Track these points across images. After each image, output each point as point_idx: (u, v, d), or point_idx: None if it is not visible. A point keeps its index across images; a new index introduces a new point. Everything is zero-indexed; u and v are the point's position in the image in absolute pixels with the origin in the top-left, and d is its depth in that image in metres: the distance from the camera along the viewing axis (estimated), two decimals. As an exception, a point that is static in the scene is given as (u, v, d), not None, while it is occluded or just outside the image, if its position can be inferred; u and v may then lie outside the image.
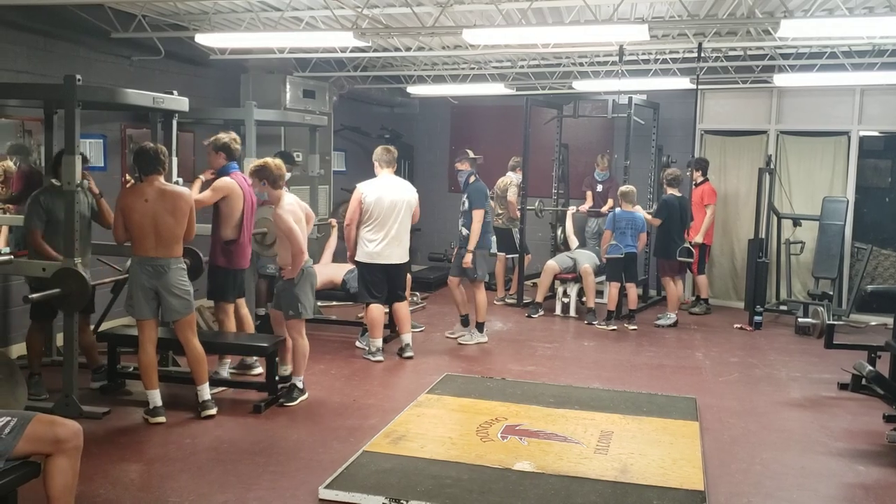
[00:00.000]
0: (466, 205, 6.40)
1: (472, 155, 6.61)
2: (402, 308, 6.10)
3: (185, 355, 4.61)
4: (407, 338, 6.09)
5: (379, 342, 5.95)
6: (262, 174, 4.74)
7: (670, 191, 7.78)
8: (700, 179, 8.23)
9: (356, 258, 5.84)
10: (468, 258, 6.29)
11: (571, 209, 8.64)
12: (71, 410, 4.31)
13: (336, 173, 8.64)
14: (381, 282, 5.90)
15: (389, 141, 9.62)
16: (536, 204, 8.71)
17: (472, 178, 6.47)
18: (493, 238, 6.65)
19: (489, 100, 9.63)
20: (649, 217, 7.74)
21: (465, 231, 6.41)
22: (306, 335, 4.97)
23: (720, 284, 8.98)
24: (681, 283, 7.94)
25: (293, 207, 4.82)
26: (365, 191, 5.81)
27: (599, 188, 8.96)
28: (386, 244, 5.81)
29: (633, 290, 7.57)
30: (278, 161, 4.87)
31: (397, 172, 6.12)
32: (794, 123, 8.59)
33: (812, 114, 8.50)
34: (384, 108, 10.34)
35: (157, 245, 4.36)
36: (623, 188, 7.56)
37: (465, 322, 6.69)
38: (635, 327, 7.42)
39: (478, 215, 6.30)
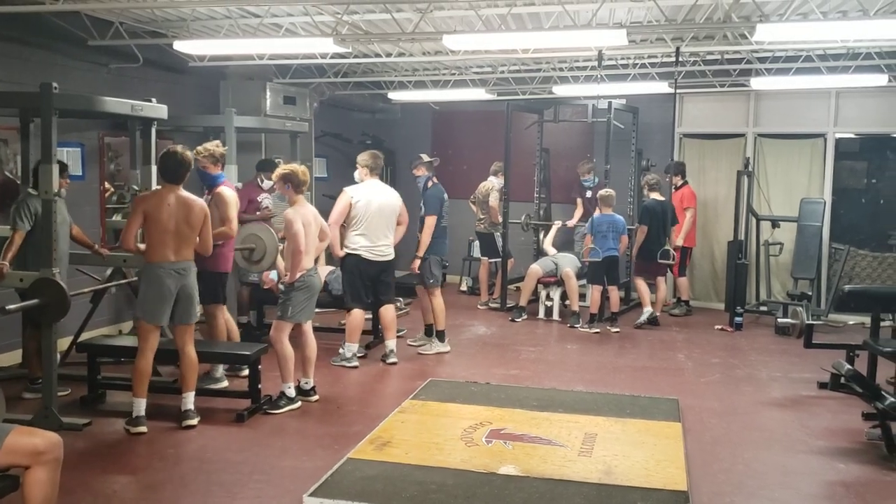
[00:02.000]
0: (423, 210, 6.38)
1: (426, 158, 6.57)
2: (389, 312, 6.09)
3: (179, 361, 4.59)
4: (392, 343, 6.08)
5: (355, 347, 5.95)
6: (289, 178, 4.89)
7: (652, 195, 7.85)
8: (680, 183, 8.31)
9: (347, 251, 5.86)
10: (415, 264, 6.27)
11: (557, 223, 8.63)
12: (51, 422, 4.26)
13: (317, 180, 8.60)
14: (366, 285, 5.92)
15: (371, 147, 9.61)
16: (523, 217, 8.72)
17: (430, 184, 6.44)
18: (447, 245, 6.58)
19: (470, 105, 9.66)
20: (639, 234, 7.79)
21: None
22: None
23: (701, 286, 9.06)
24: (664, 284, 8.00)
25: (305, 211, 4.93)
26: (354, 195, 5.85)
27: (589, 194, 8.82)
28: (374, 245, 5.88)
29: (614, 293, 7.62)
30: (304, 168, 5.04)
31: (378, 177, 6.15)
32: (772, 126, 8.69)
33: (789, 116, 8.60)
34: (365, 114, 10.34)
35: (178, 249, 4.41)
36: (602, 192, 7.60)
37: (428, 331, 6.63)
38: (618, 329, 7.47)
39: (429, 221, 6.26)
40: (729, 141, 8.89)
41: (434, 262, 6.37)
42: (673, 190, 8.11)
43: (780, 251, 8.38)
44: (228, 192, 5.15)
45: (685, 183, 8.40)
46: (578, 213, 8.96)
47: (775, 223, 8.34)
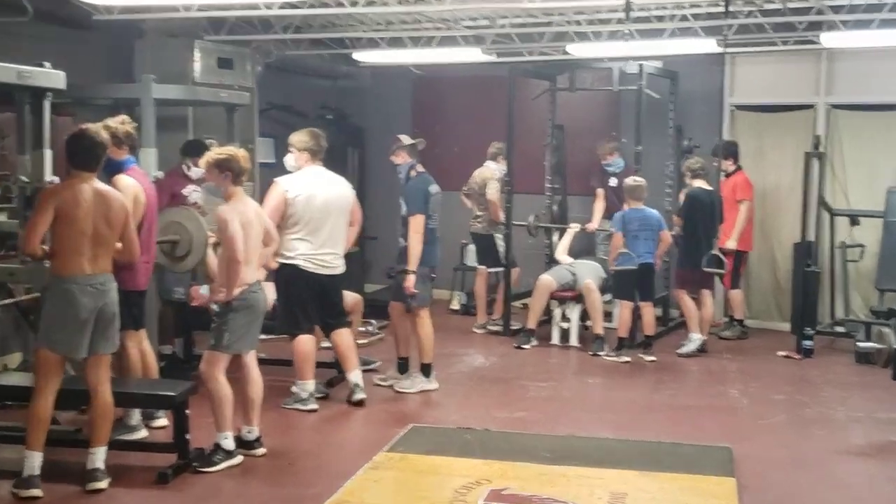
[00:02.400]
0: (403, 208, 6.35)
1: (407, 141, 6.49)
2: (344, 337, 6.08)
3: (90, 405, 4.55)
4: (355, 376, 6.06)
5: (312, 385, 5.94)
6: (225, 166, 4.86)
7: (696, 183, 7.89)
8: (731, 168, 8.35)
9: (281, 261, 5.81)
10: (410, 281, 6.22)
11: (574, 227, 8.65)
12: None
13: (262, 166, 8.57)
14: (310, 304, 5.92)
15: (333, 123, 9.57)
16: (530, 219, 8.74)
17: (414, 173, 6.39)
18: (438, 253, 6.57)
19: (462, 69, 9.64)
20: (675, 220, 7.86)
21: (403, 242, 6.35)
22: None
23: (759, 301, 9.09)
24: (710, 299, 8.02)
25: (245, 208, 4.92)
26: (290, 188, 5.82)
27: (614, 181, 8.75)
28: (317, 252, 5.86)
29: (649, 311, 7.65)
30: (245, 152, 5.04)
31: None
32: (850, 95, 8.73)
33: (871, 82, 8.61)
34: (325, 81, 10.33)
35: (95, 258, 4.40)
36: (629, 181, 7.64)
37: (402, 367, 6.57)
38: (653, 358, 7.50)
39: (415, 223, 6.21)
40: (794, 114, 8.93)
41: (419, 274, 6.31)
42: (722, 178, 8.14)
43: (861, 255, 8.42)
44: (127, 181, 5.10)
45: (738, 168, 8.44)
46: (599, 208, 8.88)
47: (855, 219, 8.39)
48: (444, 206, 6.77)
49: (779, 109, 9.02)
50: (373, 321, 8.22)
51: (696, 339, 7.72)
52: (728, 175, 8.30)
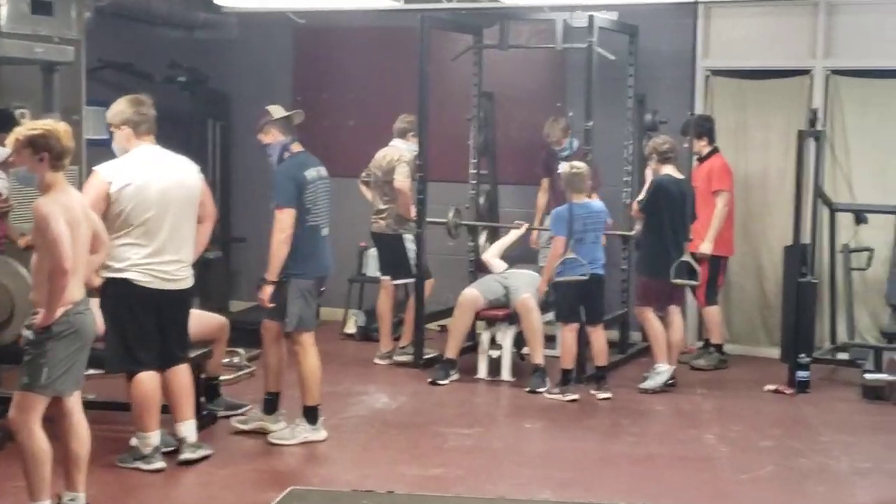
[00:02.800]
0: (273, 200, 6.36)
1: (278, 113, 6.57)
2: (181, 375, 6.04)
3: None
4: (188, 429, 6.01)
5: (156, 437, 5.88)
6: (43, 145, 4.74)
7: (664, 170, 7.93)
8: (706, 150, 8.46)
9: (107, 275, 5.75)
10: (266, 293, 6.30)
11: (521, 226, 8.70)
12: None
13: (92, 144, 8.40)
14: (149, 330, 5.88)
15: (187, 87, 9.42)
16: (450, 215, 8.72)
17: (288, 154, 6.48)
18: (327, 259, 6.61)
19: (359, 18, 9.69)
20: (634, 208, 7.96)
21: None
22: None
23: (742, 321, 9.24)
24: (680, 318, 8.10)
25: (69, 201, 4.82)
26: (115, 177, 5.75)
27: (564, 167, 8.77)
28: (156, 260, 5.81)
29: (600, 336, 7.71)
30: (67, 126, 4.94)
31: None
32: (855, 58, 8.87)
33: (882, 42, 8.75)
34: (176, 32, 10.24)
35: None
36: (566, 170, 7.69)
37: (269, 406, 6.58)
38: (608, 395, 7.56)
39: (281, 219, 6.23)
40: (785, 82, 9.08)
41: (298, 289, 6.34)
42: (695, 162, 8.23)
43: (868, 262, 8.58)
44: None
45: (714, 151, 8.56)
46: (541, 203, 9.06)
47: (860, 216, 8.54)
48: (334, 197, 6.74)
49: (765, 76, 9.16)
50: (240, 350, 8.19)
51: (662, 370, 7.78)
52: (701, 159, 8.43)
